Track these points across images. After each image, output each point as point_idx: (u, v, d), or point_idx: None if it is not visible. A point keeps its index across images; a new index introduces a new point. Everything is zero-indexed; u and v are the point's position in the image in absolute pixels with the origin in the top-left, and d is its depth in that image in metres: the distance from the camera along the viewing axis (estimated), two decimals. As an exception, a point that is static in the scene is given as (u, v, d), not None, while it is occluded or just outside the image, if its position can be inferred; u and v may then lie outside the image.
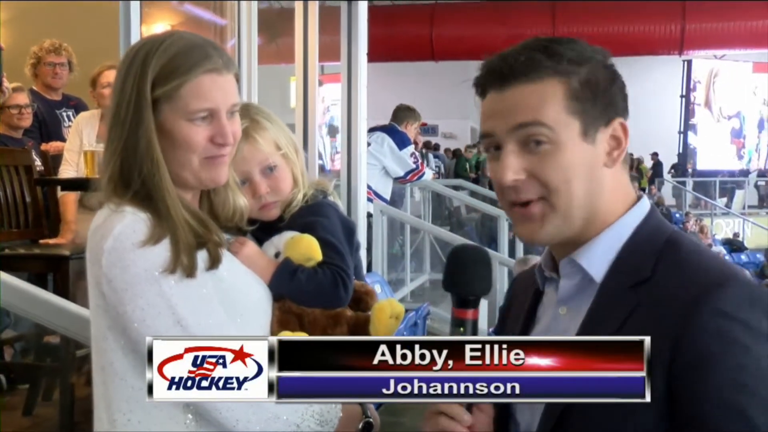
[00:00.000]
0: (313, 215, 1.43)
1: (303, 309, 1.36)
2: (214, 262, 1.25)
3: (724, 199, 15.59)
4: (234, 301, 1.28)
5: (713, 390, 0.93)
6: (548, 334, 1.10)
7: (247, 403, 1.17)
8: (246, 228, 1.42)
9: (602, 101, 1.05)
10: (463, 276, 1.04)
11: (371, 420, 1.33)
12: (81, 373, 3.39)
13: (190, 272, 1.21)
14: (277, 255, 1.39)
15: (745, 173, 16.36)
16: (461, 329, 1.02)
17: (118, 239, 1.20)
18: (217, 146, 1.27)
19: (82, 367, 3.37)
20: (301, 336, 1.30)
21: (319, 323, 1.36)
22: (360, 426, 1.32)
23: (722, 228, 14.05)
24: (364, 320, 1.39)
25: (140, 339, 1.19)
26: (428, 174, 6.52)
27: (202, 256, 1.25)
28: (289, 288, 1.35)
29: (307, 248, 1.37)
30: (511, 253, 6.06)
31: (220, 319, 1.24)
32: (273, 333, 1.33)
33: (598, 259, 1.06)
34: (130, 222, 1.21)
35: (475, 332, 1.01)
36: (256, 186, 1.43)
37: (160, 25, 5.16)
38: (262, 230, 1.45)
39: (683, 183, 15.29)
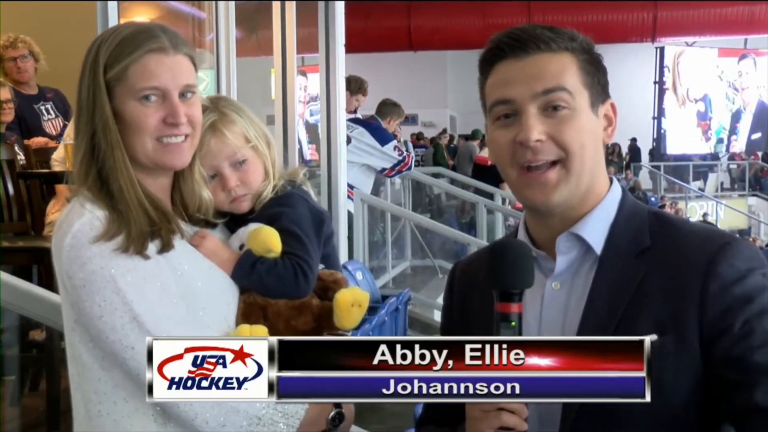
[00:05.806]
0: (279, 206, 1.42)
1: (267, 300, 1.35)
2: (164, 247, 1.26)
3: (699, 183, 15.85)
4: (195, 294, 1.28)
5: (757, 324, 1.05)
6: (547, 310, 1.15)
7: None
8: (213, 220, 1.41)
9: (600, 81, 1.17)
10: (506, 270, 1.03)
11: (342, 411, 1.30)
12: (66, 364, 3.42)
13: (139, 250, 1.23)
14: (241, 247, 1.39)
15: (716, 157, 16.61)
16: (512, 323, 1.00)
17: (75, 236, 1.22)
18: (169, 126, 1.27)
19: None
20: (260, 328, 1.31)
21: (283, 314, 1.36)
22: (330, 416, 1.29)
23: (696, 211, 14.27)
24: (329, 309, 1.38)
25: (100, 334, 1.22)
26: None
27: (155, 243, 1.26)
28: (249, 280, 1.35)
29: (266, 240, 1.36)
30: (490, 239, 6.16)
31: (179, 313, 1.24)
32: (237, 325, 1.33)
33: (597, 232, 1.15)
34: (88, 220, 1.23)
35: (521, 326, 1.01)
36: (225, 180, 1.42)
37: (138, 19, 5.16)
38: (234, 222, 1.45)
39: (658, 167, 15.51)
